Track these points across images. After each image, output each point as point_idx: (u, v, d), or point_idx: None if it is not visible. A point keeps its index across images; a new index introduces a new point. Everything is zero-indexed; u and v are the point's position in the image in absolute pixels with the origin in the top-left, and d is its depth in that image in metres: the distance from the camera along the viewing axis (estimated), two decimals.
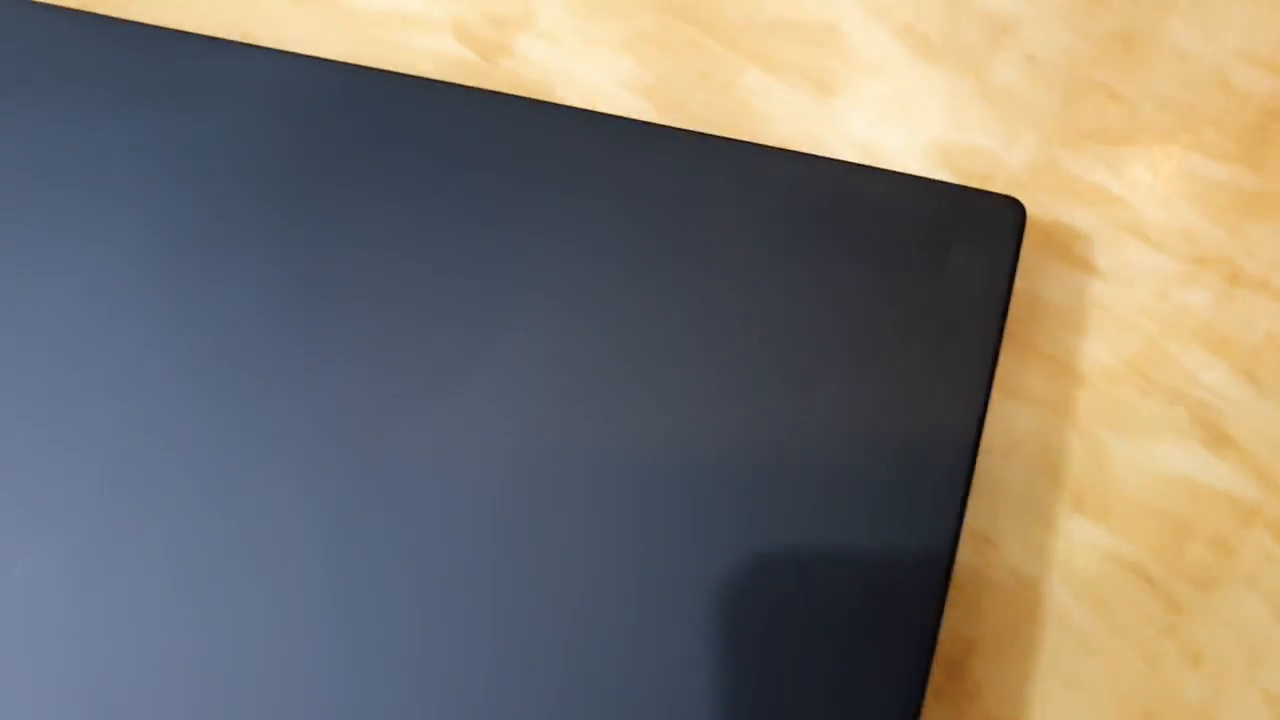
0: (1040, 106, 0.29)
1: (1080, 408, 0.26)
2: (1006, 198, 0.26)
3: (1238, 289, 0.27)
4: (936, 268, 0.26)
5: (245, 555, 0.24)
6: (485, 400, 0.25)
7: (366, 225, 0.27)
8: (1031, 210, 0.28)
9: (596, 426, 0.25)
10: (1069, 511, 0.26)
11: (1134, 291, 0.27)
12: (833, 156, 0.28)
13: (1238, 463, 0.26)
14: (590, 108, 0.31)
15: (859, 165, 0.26)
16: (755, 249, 0.26)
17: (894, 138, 0.29)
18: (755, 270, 0.26)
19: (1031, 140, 0.28)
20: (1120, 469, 0.26)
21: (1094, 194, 0.28)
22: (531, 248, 0.27)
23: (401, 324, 0.26)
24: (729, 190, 0.27)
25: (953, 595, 0.26)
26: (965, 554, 0.26)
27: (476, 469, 0.24)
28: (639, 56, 0.31)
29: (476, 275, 0.26)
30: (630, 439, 0.25)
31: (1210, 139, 0.28)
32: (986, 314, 0.25)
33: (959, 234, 0.26)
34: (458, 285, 0.26)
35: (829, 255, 0.26)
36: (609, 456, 0.25)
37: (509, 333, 0.26)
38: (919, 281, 0.25)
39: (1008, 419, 0.27)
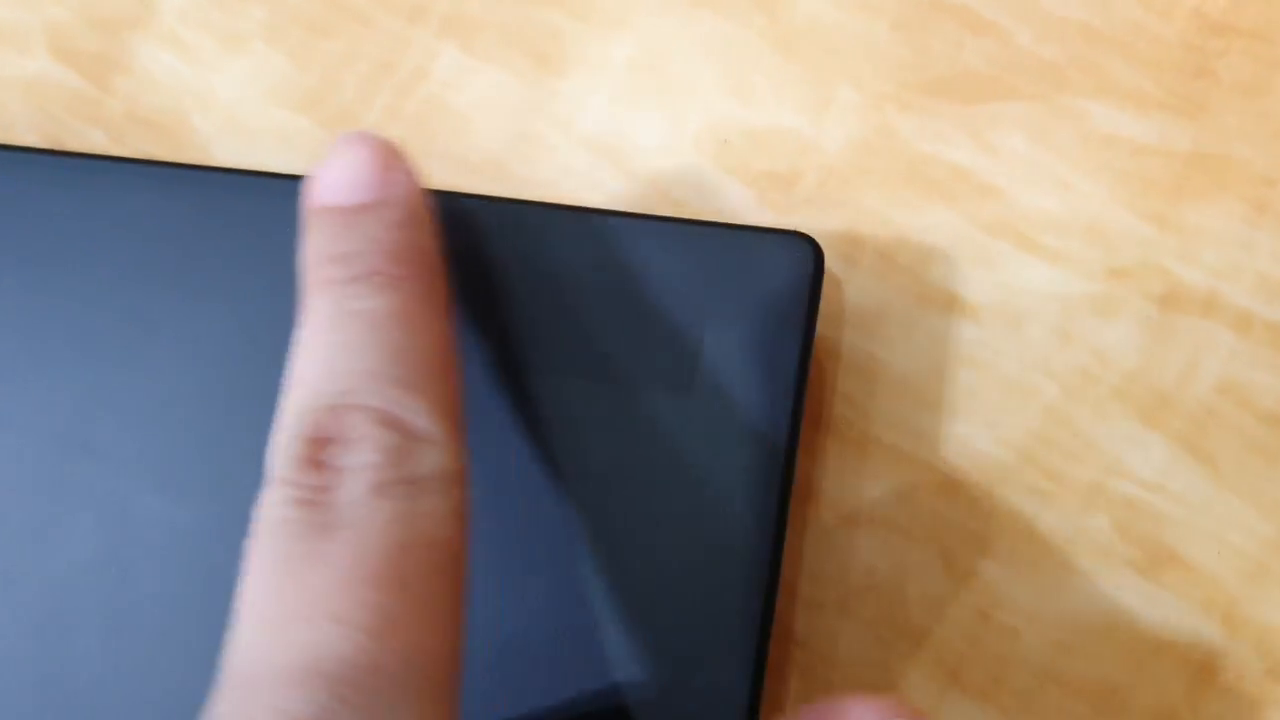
0: (864, 51, 0.19)
1: (948, 528, 0.18)
2: (789, 234, 0.17)
3: (1176, 315, 0.17)
4: (693, 353, 0.17)
5: None
6: None
7: None
8: (858, 223, 0.18)
9: None
10: (938, 689, 0.17)
11: (1021, 335, 0.18)
12: (529, 198, 0.19)
13: (1188, 593, 0.17)
14: (235, 139, 0.21)
15: (570, 209, 0.17)
16: None
17: (650, 129, 0.19)
18: None
19: (854, 106, 0.19)
20: (1011, 619, 0.17)
21: (953, 182, 0.18)
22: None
23: None
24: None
25: None
26: None
27: None
28: (293, 50, 0.21)
29: None
30: None
31: (1122, 78, 0.18)
32: (772, 408, 0.16)
33: (720, 300, 0.17)
34: None
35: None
36: None
37: None
38: (674, 376, 0.17)
39: (841, 555, 0.18)
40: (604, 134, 0.20)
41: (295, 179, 0.19)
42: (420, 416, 0.13)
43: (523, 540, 0.17)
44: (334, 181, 0.14)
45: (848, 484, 0.18)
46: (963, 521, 0.18)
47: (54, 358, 0.19)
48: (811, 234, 0.17)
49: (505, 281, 0.17)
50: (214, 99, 0.22)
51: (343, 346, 0.14)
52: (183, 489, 0.18)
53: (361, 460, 0.13)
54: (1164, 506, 0.17)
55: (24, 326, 0.19)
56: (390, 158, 0.15)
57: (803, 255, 0.16)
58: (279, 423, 0.14)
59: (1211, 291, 0.17)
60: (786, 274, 0.17)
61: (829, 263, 0.17)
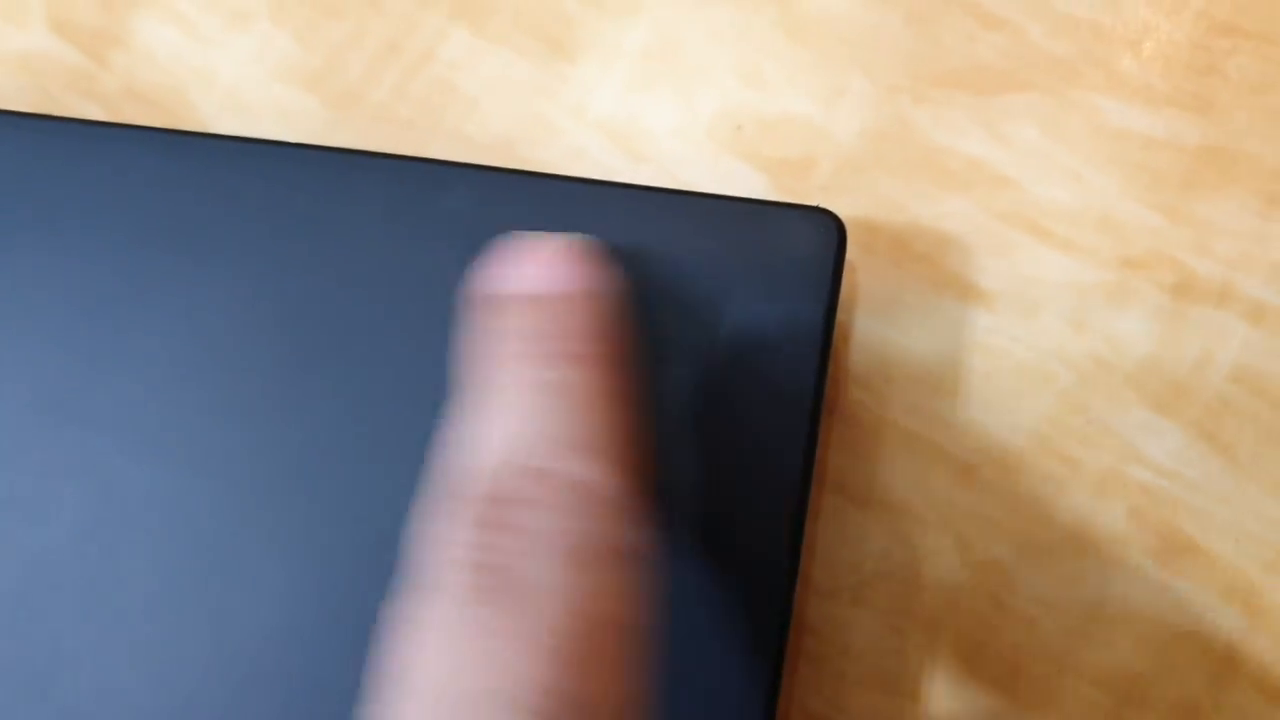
0: (877, 41, 0.19)
1: (963, 515, 0.17)
2: (813, 210, 0.16)
3: (1188, 305, 0.17)
4: (713, 330, 0.16)
5: None
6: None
7: None
8: (871, 210, 0.18)
9: None
10: (952, 679, 0.17)
11: (1036, 322, 0.18)
12: (547, 172, 0.18)
13: (1206, 582, 0.16)
14: (236, 116, 0.21)
15: (583, 183, 0.17)
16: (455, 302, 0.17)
17: (661, 114, 0.19)
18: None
19: (868, 96, 0.19)
20: (1027, 607, 0.17)
21: (967, 172, 0.18)
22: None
23: None
24: (415, 230, 0.17)
25: None
26: None
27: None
28: (298, 30, 0.21)
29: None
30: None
31: (1130, 73, 0.18)
32: (795, 389, 0.16)
33: (745, 274, 0.16)
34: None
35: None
36: None
37: None
38: (696, 353, 0.16)
39: (854, 540, 0.17)
40: (616, 118, 0.19)
41: (294, 147, 0.18)
42: (608, 485, 0.13)
43: None
44: (531, 273, 0.14)
45: (861, 469, 0.17)
46: (978, 508, 0.17)
47: (44, 322, 0.18)
48: None
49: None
50: (215, 76, 0.21)
51: (531, 413, 0.13)
52: (171, 456, 0.17)
53: (547, 524, 0.12)
54: (1181, 494, 0.17)
55: (19, 290, 0.18)
56: (581, 254, 0.15)
57: (826, 230, 0.16)
58: (455, 484, 0.13)
59: (1225, 282, 0.17)
60: (811, 248, 0.16)
61: None
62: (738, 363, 0.16)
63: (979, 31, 0.19)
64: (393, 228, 0.17)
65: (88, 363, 0.18)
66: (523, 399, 0.13)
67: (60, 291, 0.18)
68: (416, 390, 0.17)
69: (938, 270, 0.18)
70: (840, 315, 0.18)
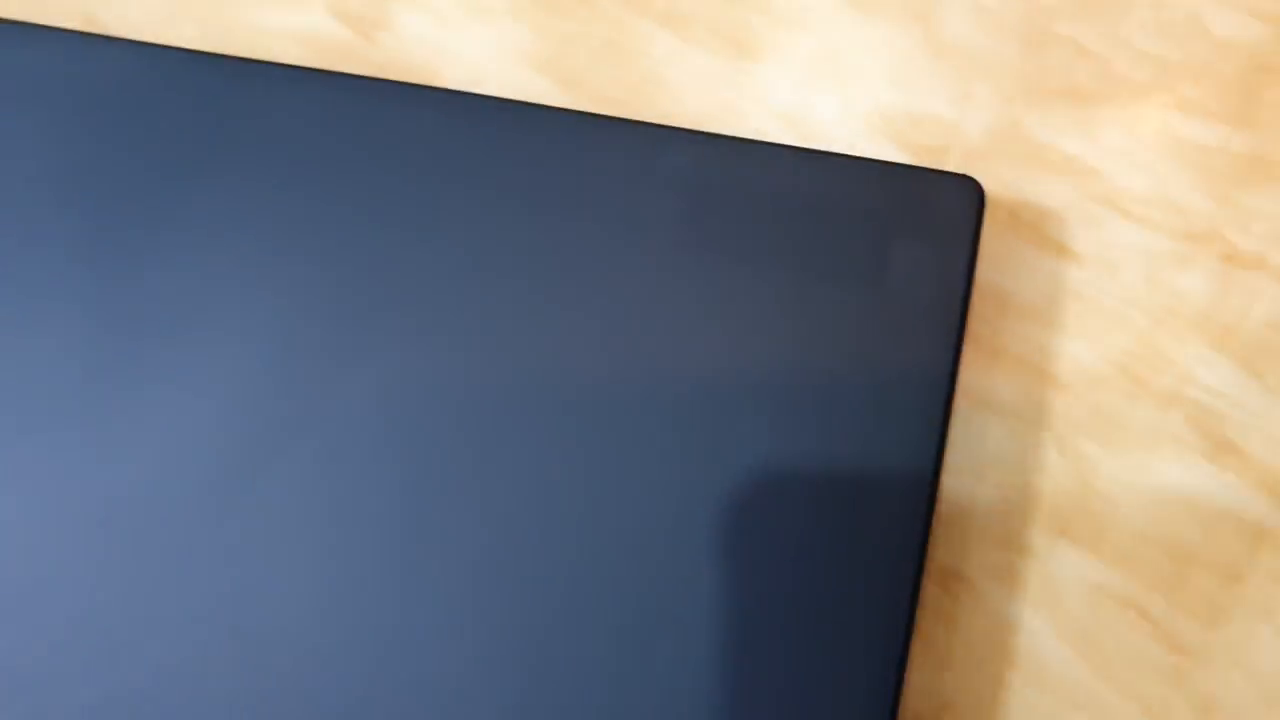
0: (998, 62, 0.24)
1: (1060, 418, 0.22)
2: (961, 177, 0.21)
3: (1234, 269, 0.23)
4: (882, 265, 0.21)
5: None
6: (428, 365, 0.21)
7: (217, 228, 0.22)
8: (992, 187, 0.24)
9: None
10: (1051, 539, 0.22)
11: (1117, 278, 0.23)
12: (753, 138, 0.23)
13: (1244, 474, 0.22)
14: (478, 90, 0.26)
15: (782, 147, 0.22)
16: (672, 249, 0.22)
17: (827, 106, 0.24)
18: (677, 276, 0.22)
19: (990, 102, 0.24)
20: (1109, 488, 0.22)
21: (1065, 164, 0.24)
22: (424, 245, 0.22)
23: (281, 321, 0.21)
24: (637, 182, 0.22)
25: (920, 644, 0.22)
26: (933, 593, 0.22)
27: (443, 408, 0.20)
28: (534, 25, 0.26)
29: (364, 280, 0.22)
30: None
31: (1192, 96, 0.24)
32: (944, 316, 0.21)
33: (907, 223, 0.21)
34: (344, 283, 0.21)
35: (755, 258, 0.22)
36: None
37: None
38: (863, 283, 0.21)
39: (976, 435, 0.22)
40: (790, 108, 0.25)
41: (532, 106, 0.23)
42: None
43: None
44: None
45: (982, 383, 0.23)
46: (1071, 414, 0.22)
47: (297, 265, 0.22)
48: None
49: (716, 212, 0.22)
50: (462, 57, 0.26)
51: None
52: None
53: None
54: (1225, 409, 0.22)
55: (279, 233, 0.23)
56: None
57: (969, 193, 0.21)
58: None
59: (1261, 254, 0.23)
60: (955, 208, 0.21)
61: None
62: (890, 300, 0.21)
63: (1075, 59, 0.24)
64: (611, 178, 0.22)
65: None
66: None
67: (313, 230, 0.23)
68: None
69: (1041, 235, 0.23)
70: None
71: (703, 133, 0.23)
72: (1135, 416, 0.22)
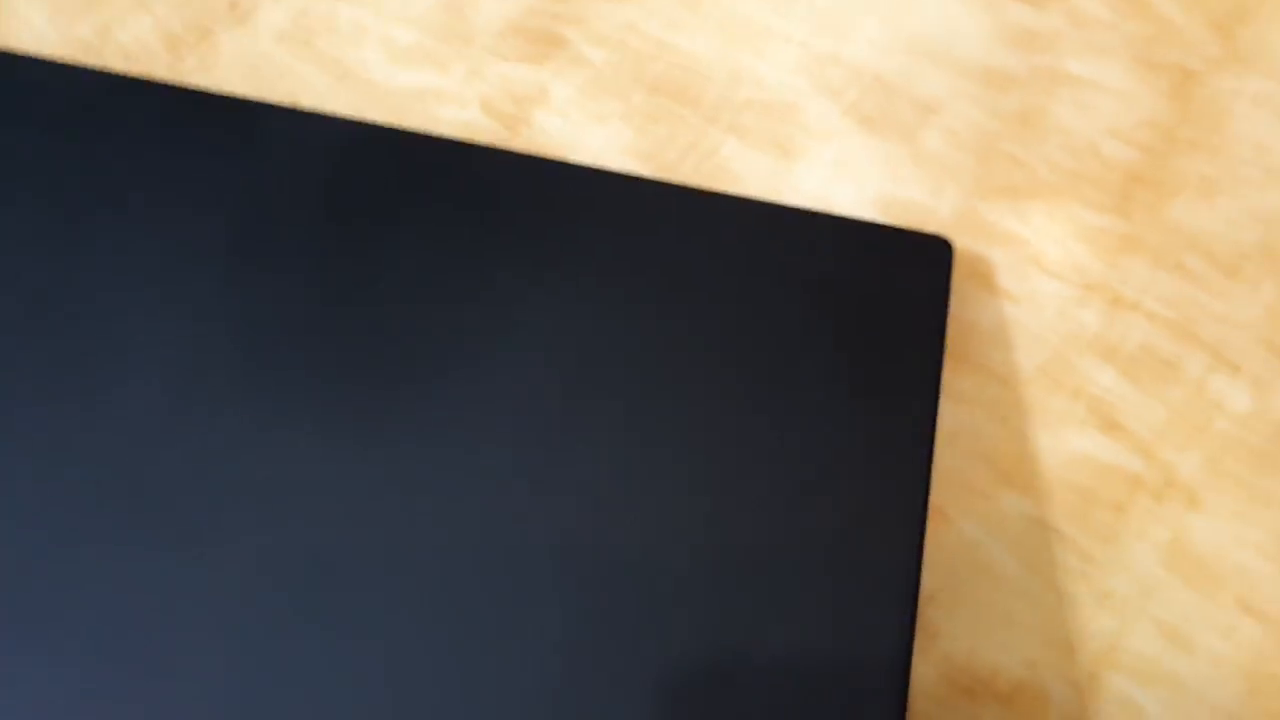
0: (961, 168, 0.35)
1: (1004, 405, 0.33)
2: (939, 237, 0.32)
3: (1118, 309, 0.34)
4: (882, 294, 0.32)
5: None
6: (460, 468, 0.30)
7: (389, 272, 0.32)
8: (958, 249, 0.35)
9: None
10: (1000, 488, 0.32)
11: (1041, 313, 0.34)
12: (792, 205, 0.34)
13: (1125, 443, 0.32)
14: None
15: (815, 212, 0.33)
16: (725, 285, 0.32)
17: (844, 193, 0.35)
18: (727, 301, 0.32)
19: (955, 195, 0.35)
20: (1038, 452, 0.32)
21: (1006, 236, 0.35)
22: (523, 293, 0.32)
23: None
24: (711, 235, 0.32)
25: None
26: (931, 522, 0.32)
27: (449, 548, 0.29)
28: (637, 129, 0.37)
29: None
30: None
31: (1090, 195, 0.35)
32: (931, 333, 0.31)
33: (903, 267, 0.32)
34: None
35: (789, 286, 0.32)
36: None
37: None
38: (872, 308, 0.31)
39: (949, 416, 0.33)
40: (817, 193, 0.36)
41: (624, 177, 0.33)
42: None
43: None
44: None
45: (949, 380, 0.33)
46: (1011, 402, 0.33)
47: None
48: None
49: (703, 272, 0.32)
50: (584, 148, 0.37)
51: None
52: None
53: None
54: (1113, 401, 0.33)
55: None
56: None
57: (945, 247, 0.32)
58: None
59: (1136, 300, 0.34)
60: (935, 257, 0.32)
61: None
62: (869, 335, 0.32)
63: (1013, 168, 0.36)
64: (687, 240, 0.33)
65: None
66: None
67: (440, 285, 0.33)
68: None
69: (990, 283, 0.34)
70: None
71: (754, 200, 0.33)
72: (1054, 405, 0.33)
